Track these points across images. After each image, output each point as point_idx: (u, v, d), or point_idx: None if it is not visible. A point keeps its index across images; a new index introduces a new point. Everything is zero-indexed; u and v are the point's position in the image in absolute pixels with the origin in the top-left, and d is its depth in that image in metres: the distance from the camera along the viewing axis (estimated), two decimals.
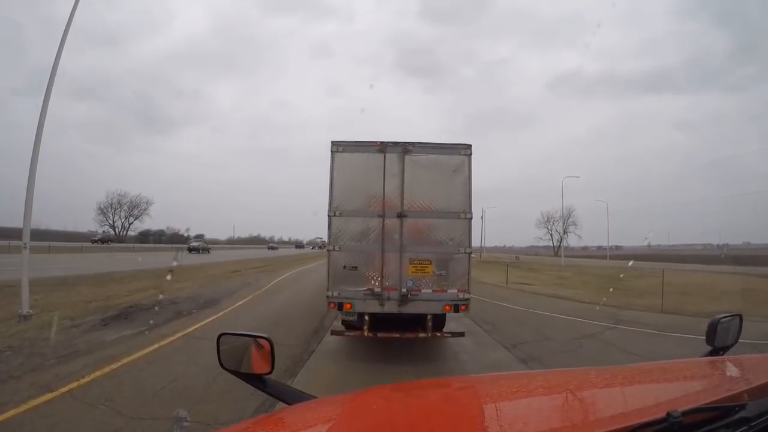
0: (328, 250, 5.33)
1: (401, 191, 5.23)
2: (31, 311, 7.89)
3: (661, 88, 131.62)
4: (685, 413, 0.73)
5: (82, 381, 4.45)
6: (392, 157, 5.28)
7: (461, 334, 5.55)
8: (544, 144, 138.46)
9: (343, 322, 5.54)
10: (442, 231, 5.22)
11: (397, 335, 5.26)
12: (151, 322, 7.39)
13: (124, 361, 5.14)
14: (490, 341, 6.58)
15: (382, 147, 5.30)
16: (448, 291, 5.18)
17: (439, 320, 5.52)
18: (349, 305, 5.15)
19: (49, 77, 8.39)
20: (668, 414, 0.72)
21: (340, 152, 5.28)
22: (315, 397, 1.22)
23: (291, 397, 1.24)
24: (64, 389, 4.21)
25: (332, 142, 5.30)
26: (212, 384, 4.23)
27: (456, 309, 5.18)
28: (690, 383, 1.23)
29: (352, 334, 5.37)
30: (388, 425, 0.99)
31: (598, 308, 10.62)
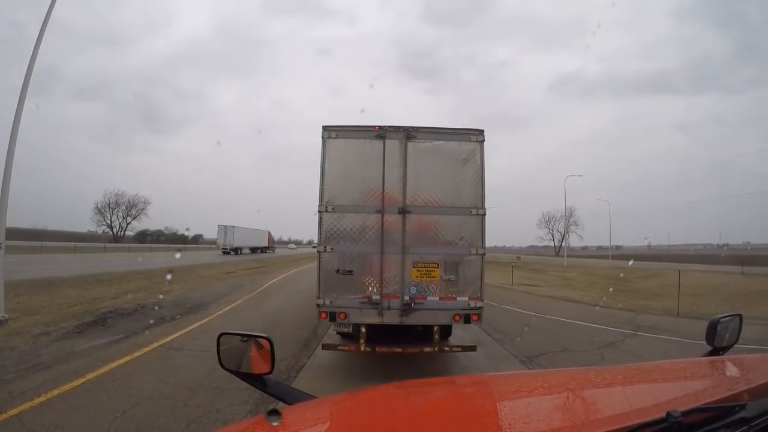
0: (318, 252, 4.65)
1: (404, 183, 4.57)
2: (6, 315, 7.40)
3: (662, 89, 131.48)
4: (685, 413, 0.72)
5: (36, 401, 3.90)
6: (393, 144, 4.62)
7: (473, 348, 4.94)
8: (545, 145, 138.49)
9: (338, 332, 4.95)
10: (451, 229, 4.60)
11: (399, 350, 4.57)
12: (129, 329, 6.81)
13: (89, 376, 4.55)
14: (502, 353, 5.94)
15: (382, 132, 4.63)
16: (458, 299, 4.53)
17: (445, 330, 4.90)
18: (343, 315, 4.49)
19: (25, 75, 7.80)
20: (668, 414, 0.71)
21: (333, 138, 4.62)
22: (315, 397, 1.19)
23: (291, 397, 1.22)
24: (13, 411, 3.68)
25: (324, 126, 4.65)
26: (180, 409, 3.63)
27: (467, 319, 4.54)
28: (690, 383, 1.22)
29: (346, 348, 4.68)
30: (388, 424, 0.98)
31: (613, 312, 10.08)
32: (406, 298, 4.50)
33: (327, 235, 4.58)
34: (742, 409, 0.80)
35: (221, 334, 1.33)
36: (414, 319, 4.54)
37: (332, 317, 4.52)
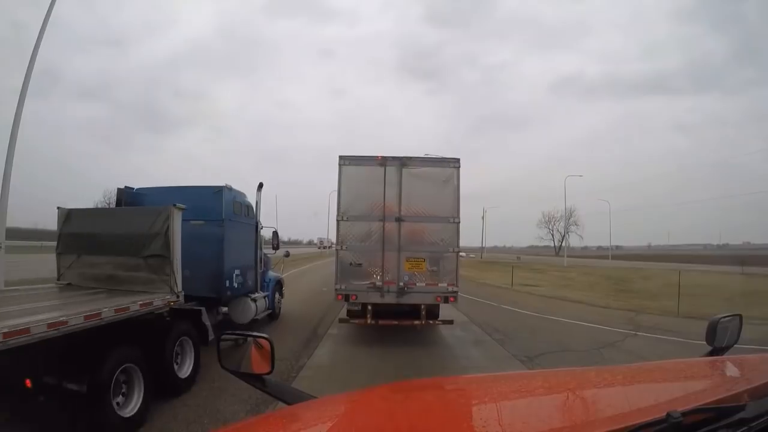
0: (336, 250, 6.22)
1: (399, 199, 6.01)
2: None
3: (662, 90, 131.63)
4: (685, 413, 0.72)
5: None
6: (391, 170, 6.05)
7: (450, 322, 6.31)
8: (546, 146, 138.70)
9: (348, 312, 6.28)
10: (434, 233, 5.98)
11: (396, 323, 6.06)
12: None
13: None
14: (503, 354, 5.95)
15: (383, 161, 6.08)
16: (439, 285, 5.94)
17: (433, 311, 6.18)
18: (354, 296, 5.96)
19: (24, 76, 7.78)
20: (668, 414, 0.71)
21: (347, 165, 6.06)
22: (315, 397, 1.18)
23: (291, 397, 1.22)
24: None
25: (339, 156, 6.09)
26: (180, 408, 3.63)
27: (446, 300, 5.98)
28: (690, 383, 1.22)
29: (357, 321, 6.14)
30: (388, 425, 0.97)
31: (613, 312, 10.08)
32: (401, 283, 5.93)
33: (343, 238, 6.04)
34: (742, 409, 0.79)
35: (221, 334, 1.36)
36: (407, 299, 5.95)
37: (346, 298, 6.01)
